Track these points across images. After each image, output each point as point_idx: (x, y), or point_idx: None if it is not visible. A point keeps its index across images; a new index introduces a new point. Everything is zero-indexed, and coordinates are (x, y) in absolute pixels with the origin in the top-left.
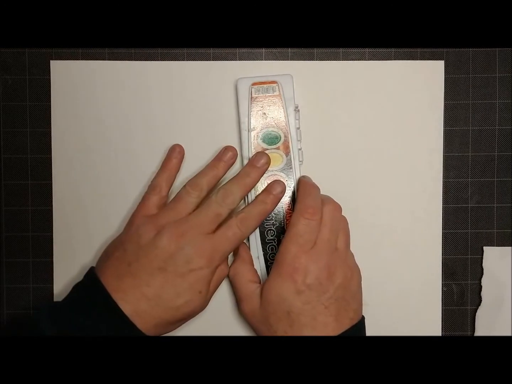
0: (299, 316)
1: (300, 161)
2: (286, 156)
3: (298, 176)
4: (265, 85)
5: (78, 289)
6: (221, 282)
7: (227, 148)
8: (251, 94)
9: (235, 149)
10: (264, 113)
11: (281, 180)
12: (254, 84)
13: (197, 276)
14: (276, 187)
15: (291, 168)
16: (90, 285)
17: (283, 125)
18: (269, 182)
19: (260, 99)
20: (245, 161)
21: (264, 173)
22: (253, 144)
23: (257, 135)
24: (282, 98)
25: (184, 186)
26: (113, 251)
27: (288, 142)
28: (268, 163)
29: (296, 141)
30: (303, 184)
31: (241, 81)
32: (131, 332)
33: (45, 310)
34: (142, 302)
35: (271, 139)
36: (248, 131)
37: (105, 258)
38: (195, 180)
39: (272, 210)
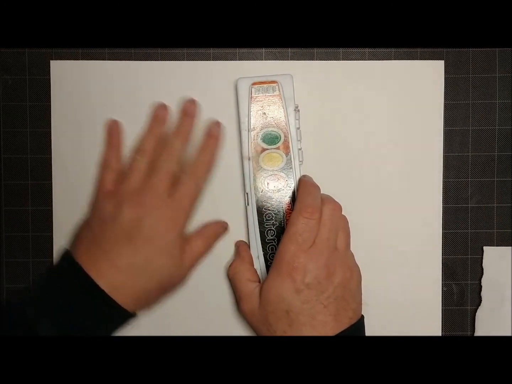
0: (298, 315)
1: (300, 161)
2: (286, 156)
3: (298, 176)
4: (265, 85)
5: (58, 272)
6: (198, 257)
7: (159, 106)
8: (251, 94)
9: (165, 105)
10: (264, 113)
11: (282, 179)
12: (254, 84)
13: (165, 239)
14: (213, 129)
15: (291, 168)
16: (68, 267)
17: (283, 125)
18: (269, 182)
19: (260, 99)
20: (245, 162)
21: (196, 117)
22: (253, 144)
23: (257, 135)
24: (282, 98)
25: (132, 154)
26: (81, 232)
27: (288, 142)
28: (196, 105)
29: (296, 141)
30: (303, 183)
31: (241, 81)
32: (111, 309)
33: (29, 299)
34: (117, 275)
35: (271, 139)
36: (248, 131)
37: (75, 241)
38: (140, 146)
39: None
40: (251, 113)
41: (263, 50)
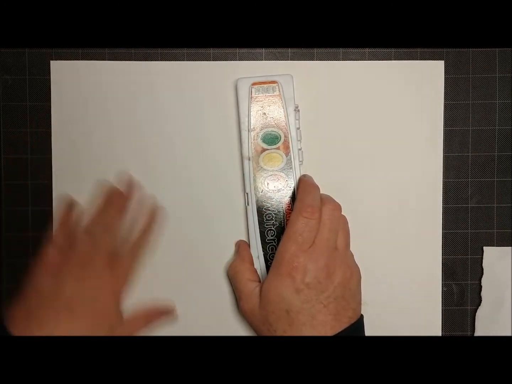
0: (298, 315)
1: (300, 161)
2: (286, 156)
3: (298, 176)
4: (265, 85)
5: None
6: (134, 334)
7: (114, 193)
8: (251, 94)
9: (122, 193)
10: (264, 113)
11: (282, 179)
12: (254, 84)
13: (106, 312)
14: (156, 213)
15: (291, 168)
16: None
17: (283, 125)
18: (269, 182)
19: (260, 99)
20: (245, 162)
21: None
22: (253, 144)
23: (257, 135)
24: (282, 98)
25: (78, 231)
26: (15, 307)
27: (288, 142)
28: (131, 187)
29: (296, 141)
30: (303, 183)
31: (241, 81)
32: None
33: None
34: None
35: (271, 139)
36: (248, 131)
37: (8, 315)
38: (87, 227)
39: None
40: (251, 113)
41: (263, 50)
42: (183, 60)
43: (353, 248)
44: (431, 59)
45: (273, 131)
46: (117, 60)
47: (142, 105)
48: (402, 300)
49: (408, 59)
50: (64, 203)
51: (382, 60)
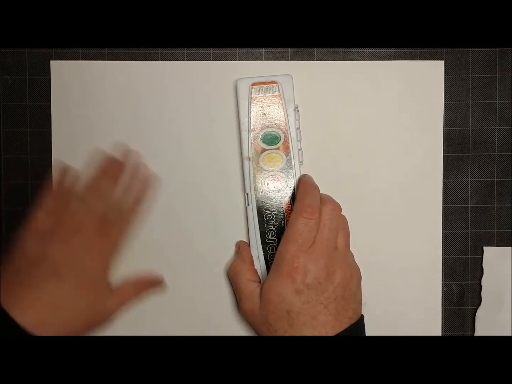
0: (299, 315)
1: (300, 161)
2: (286, 156)
3: (298, 176)
4: (265, 85)
5: None
6: (125, 303)
7: (109, 161)
8: (251, 94)
9: (117, 161)
10: (264, 113)
11: (282, 179)
12: (254, 84)
13: (94, 278)
14: (148, 178)
15: (291, 168)
16: None
17: (283, 125)
18: (269, 182)
19: (260, 99)
20: (245, 162)
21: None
22: (253, 144)
23: (257, 135)
24: (282, 99)
25: (68, 196)
26: (6, 275)
27: (288, 143)
28: (127, 153)
29: (296, 141)
30: (303, 183)
31: (241, 81)
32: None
33: None
34: (42, 312)
35: (271, 139)
36: (248, 131)
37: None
38: (77, 192)
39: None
40: (251, 113)
41: (263, 50)
42: (183, 60)
43: (353, 247)
44: (431, 59)
45: (273, 131)
46: (117, 60)
47: (142, 105)
48: (402, 300)
49: (408, 59)
50: (59, 168)
51: (382, 60)
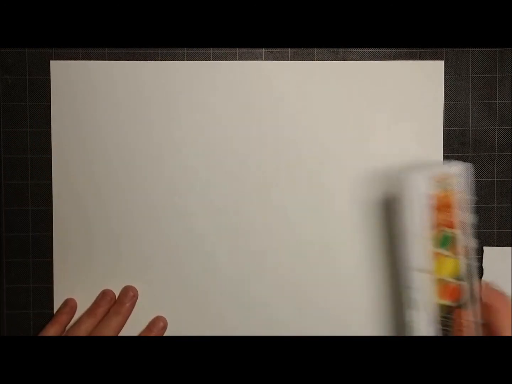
0: None
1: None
2: (461, 260)
3: (475, 283)
4: (440, 181)
5: None
6: None
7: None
8: (426, 192)
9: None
10: (437, 212)
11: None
12: (430, 179)
13: None
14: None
15: (466, 274)
16: None
17: (456, 224)
18: (443, 293)
19: (433, 196)
20: (415, 273)
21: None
22: (424, 250)
23: (429, 239)
24: (457, 194)
25: (82, 315)
26: None
27: (462, 244)
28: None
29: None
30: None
31: (414, 176)
32: None
33: None
34: None
35: (444, 241)
36: (419, 236)
37: None
38: (91, 310)
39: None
40: (421, 214)
41: (263, 50)
42: (183, 60)
43: (352, 247)
44: (431, 59)
45: (446, 232)
46: (117, 60)
47: (142, 104)
48: (402, 300)
49: (408, 59)
50: (65, 303)
51: (382, 60)
